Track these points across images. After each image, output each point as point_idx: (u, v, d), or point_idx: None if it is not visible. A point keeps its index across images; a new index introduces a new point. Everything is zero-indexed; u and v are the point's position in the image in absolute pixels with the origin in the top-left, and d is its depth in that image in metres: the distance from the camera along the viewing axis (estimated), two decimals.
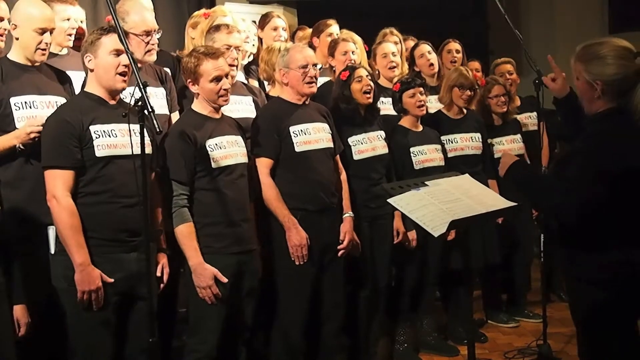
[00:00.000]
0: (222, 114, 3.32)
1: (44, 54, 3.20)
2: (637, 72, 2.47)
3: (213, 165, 3.15)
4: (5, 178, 3.08)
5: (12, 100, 3.09)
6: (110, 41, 2.84)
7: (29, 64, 3.19)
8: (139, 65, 3.36)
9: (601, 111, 2.52)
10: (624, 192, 2.43)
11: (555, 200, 2.52)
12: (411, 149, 4.09)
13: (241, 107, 3.72)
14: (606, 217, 2.46)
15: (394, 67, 4.50)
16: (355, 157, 3.85)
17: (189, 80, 3.22)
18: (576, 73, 2.55)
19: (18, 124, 3.08)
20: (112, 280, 2.83)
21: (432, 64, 4.81)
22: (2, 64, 3.17)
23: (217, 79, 3.17)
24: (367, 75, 3.87)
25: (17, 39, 3.15)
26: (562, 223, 2.60)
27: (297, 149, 3.50)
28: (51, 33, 3.20)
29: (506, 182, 2.79)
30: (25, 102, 3.11)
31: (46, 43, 3.17)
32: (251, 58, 4.43)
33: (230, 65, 3.52)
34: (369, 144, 3.89)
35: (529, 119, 5.00)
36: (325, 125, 3.65)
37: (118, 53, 2.84)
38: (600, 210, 2.45)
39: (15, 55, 3.19)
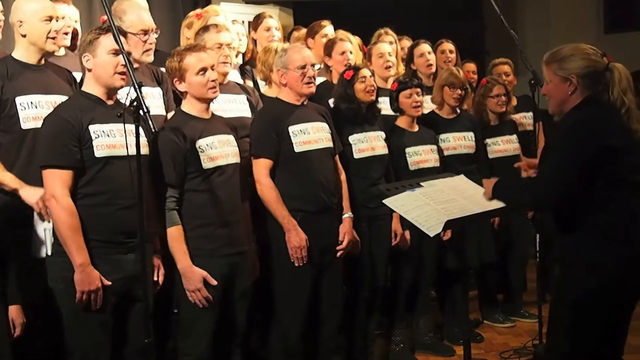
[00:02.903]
0: (212, 113, 3.30)
1: (55, 43, 3.20)
2: (606, 67, 2.63)
3: (204, 165, 3.13)
4: None
5: (18, 100, 3.07)
6: (109, 41, 2.82)
7: (35, 62, 3.17)
8: (136, 65, 3.36)
9: (576, 104, 2.63)
10: (604, 175, 2.52)
11: (536, 194, 2.64)
12: (406, 150, 4.10)
13: (235, 107, 3.71)
14: (593, 202, 2.54)
15: (389, 67, 4.50)
16: (356, 155, 3.85)
17: (175, 79, 3.19)
18: (548, 76, 2.68)
19: (24, 124, 3.06)
20: (110, 283, 2.82)
21: (430, 64, 4.82)
22: (7, 62, 3.14)
23: (203, 71, 3.15)
24: (370, 76, 3.88)
25: (24, 35, 3.13)
26: (554, 211, 2.68)
27: (297, 149, 3.49)
28: (57, 21, 3.20)
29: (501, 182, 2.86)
30: (31, 102, 3.09)
31: (55, 31, 3.16)
32: (240, 59, 4.42)
33: (224, 62, 3.52)
34: (368, 144, 3.89)
35: (524, 119, 5.01)
36: (325, 125, 3.64)
37: (117, 53, 2.82)
38: (586, 194, 2.54)
39: (21, 53, 3.17)
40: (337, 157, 3.72)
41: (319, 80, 4.22)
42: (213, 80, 3.17)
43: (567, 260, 2.64)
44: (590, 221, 2.56)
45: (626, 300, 2.62)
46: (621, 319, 2.63)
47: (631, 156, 2.57)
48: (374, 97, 3.89)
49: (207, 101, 3.23)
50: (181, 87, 3.20)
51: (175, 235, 3.08)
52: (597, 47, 2.70)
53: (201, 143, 3.14)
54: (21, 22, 3.13)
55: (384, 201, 2.90)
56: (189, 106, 3.23)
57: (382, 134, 3.98)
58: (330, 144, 3.63)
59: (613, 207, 2.54)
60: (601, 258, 2.53)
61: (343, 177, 3.73)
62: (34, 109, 3.08)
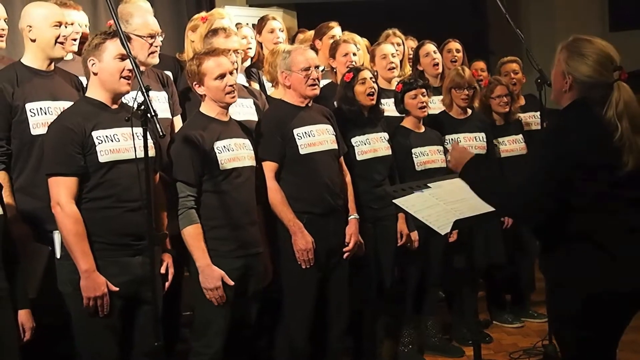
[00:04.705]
0: (230, 117, 3.33)
1: (64, 48, 3.22)
2: (610, 85, 2.46)
3: (220, 167, 3.15)
4: (18, 184, 3.09)
5: (28, 106, 3.09)
6: (115, 46, 2.84)
7: (44, 68, 3.19)
8: (142, 68, 3.39)
9: (568, 105, 2.53)
10: (580, 186, 2.43)
11: (507, 202, 2.55)
12: (413, 150, 4.09)
13: (242, 110, 3.71)
14: (576, 219, 2.46)
15: (393, 68, 4.49)
16: (358, 157, 3.84)
17: (194, 82, 3.23)
18: (557, 60, 2.57)
19: (33, 130, 3.08)
20: (117, 289, 2.83)
21: (436, 64, 4.80)
22: (16, 68, 3.16)
23: (221, 76, 3.17)
24: (370, 78, 3.87)
25: (33, 40, 3.15)
26: (535, 230, 2.62)
27: (302, 151, 3.49)
28: (66, 27, 3.22)
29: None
30: (41, 108, 3.11)
31: (64, 37, 3.18)
32: (248, 62, 4.42)
33: None
34: (370, 145, 3.88)
35: (532, 118, 4.99)
36: (329, 127, 3.63)
37: (123, 58, 2.84)
38: (559, 208, 2.45)
39: (30, 59, 3.19)
40: (341, 158, 3.72)
41: (324, 82, 4.22)
42: (231, 85, 3.20)
43: (556, 280, 2.57)
44: (576, 239, 2.47)
45: (622, 313, 2.54)
46: (619, 327, 2.57)
47: (613, 172, 2.43)
48: (374, 99, 3.88)
49: (226, 105, 3.25)
50: (200, 90, 3.23)
51: (193, 233, 3.09)
52: None
53: (219, 145, 3.17)
54: (30, 27, 3.15)
55: (394, 201, 2.89)
56: (208, 108, 3.26)
57: (385, 135, 3.97)
58: (335, 146, 3.63)
59: (598, 224, 2.44)
60: (590, 276, 2.44)
61: (348, 178, 3.73)
62: (43, 115, 3.10)
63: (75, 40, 3.56)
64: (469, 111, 4.49)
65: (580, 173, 2.42)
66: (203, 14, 4.34)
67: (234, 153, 3.21)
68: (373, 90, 3.85)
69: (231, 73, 3.22)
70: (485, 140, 4.44)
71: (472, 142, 4.41)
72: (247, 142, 3.31)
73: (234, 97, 3.23)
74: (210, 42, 3.64)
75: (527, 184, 2.48)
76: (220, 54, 3.22)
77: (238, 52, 3.71)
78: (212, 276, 3.07)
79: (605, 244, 2.44)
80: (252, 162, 3.30)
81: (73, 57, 3.62)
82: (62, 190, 2.79)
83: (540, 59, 3.94)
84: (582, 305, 2.46)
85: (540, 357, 4.12)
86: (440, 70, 4.82)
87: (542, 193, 2.44)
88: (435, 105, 4.57)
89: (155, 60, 3.48)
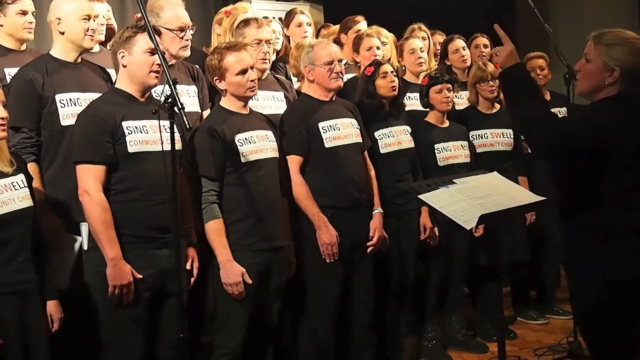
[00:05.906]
0: (250, 109, 3.33)
1: (92, 39, 3.26)
2: None
3: (242, 160, 3.16)
4: (48, 175, 3.12)
5: (58, 97, 3.12)
6: (146, 40, 2.85)
7: (72, 60, 3.23)
8: (173, 61, 3.41)
9: (609, 96, 2.49)
10: (611, 177, 2.43)
11: (538, 126, 2.50)
12: (435, 146, 4.08)
13: (273, 104, 3.71)
14: (602, 209, 2.46)
15: (422, 63, 4.47)
16: (382, 150, 3.84)
17: (214, 77, 3.23)
18: (591, 55, 2.50)
19: (63, 121, 3.11)
20: (141, 276, 2.85)
21: (465, 60, 4.78)
22: (45, 60, 3.20)
23: (243, 72, 3.17)
24: (392, 72, 3.86)
25: (62, 33, 3.19)
26: (561, 211, 2.62)
27: (327, 144, 3.49)
28: (94, 20, 3.25)
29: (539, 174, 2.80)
30: (70, 99, 3.14)
31: (93, 30, 3.22)
32: (274, 56, 4.43)
33: (262, 59, 3.54)
34: (394, 138, 3.88)
35: (558, 114, 4.93)
36: (354, 121, 3.64)
37: (153, 52, 2.86)
38: (593, 200, 2.45)
39: (58, 51, 3.22)
40: (365, 153, 3.72)
41: (348, 76, 4.21)
42: (252, 80, 3.20)
43: (579, 268, 2.58)
44: (601, 228, 2.48)
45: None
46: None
47: None
48: (395, 93, 3.87)
49: (246, 99, 3.26)
50: (220, 85, 3.23)
51: (215, 228, 3.10)
52: None
53: (240, 137, 3.17)
54: (60, 19, 3.19)
55: (419, 196, 2.89)
56: (228, 102, 3.26)
57: (408, 128, 3.96)
58: (359, 139, 3.63)
59: (622, 214, 2.45)
60: (612, 263, 2.45)
61: (372, 173, 3.73)
62: (72, 106, 3.12)
63: (101, 32, 3.59)
64: (497, 106, 4.46)
65: (613, 163, 2.41)
66: (228, 7, 4.35)
67: (256, 145, 3.20)
68: (394, 83, 3.84)
69: (252, 68, 3.22)
70: (512, 136, 4.41)
71: (499, 139, 4.38)
72: (269, 133, 3.30)
73: (254, 90, 3.23)
74: (242, 32, 3.63)
75: (559, 126, 2.47)
76: (241, 48, 3.22)
77: (270, 43, 3.69)
78: (232, 271, 3.07)
79: (630, 233, 2.44)
80: (275, 154, 3.29)
81: (100, 49, 3.66)
82: (90, 178, 2.81)
83: (567, 55, 3.90)
84: (604, 293, 2.47)
85: (564, 354, 4.10)
86: (468, 64, 4.78)
87: (566, 141, 2.43)
88: (463, 100, 4.55)
89: (186, 53, 3.50)
